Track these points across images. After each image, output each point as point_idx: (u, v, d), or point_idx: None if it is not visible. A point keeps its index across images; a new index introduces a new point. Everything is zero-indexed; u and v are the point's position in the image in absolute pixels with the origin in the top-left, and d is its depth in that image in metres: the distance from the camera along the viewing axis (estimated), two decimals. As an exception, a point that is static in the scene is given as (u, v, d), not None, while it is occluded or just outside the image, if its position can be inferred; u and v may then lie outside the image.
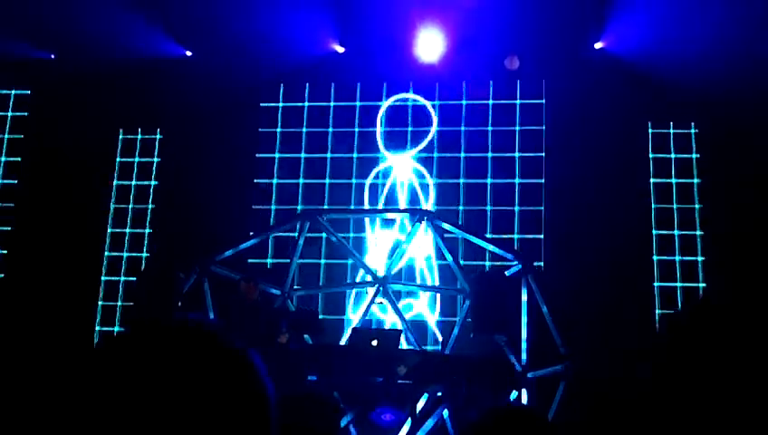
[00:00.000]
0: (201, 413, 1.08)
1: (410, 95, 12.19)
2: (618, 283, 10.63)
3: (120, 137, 12.55)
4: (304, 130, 12.29)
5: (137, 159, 12.49)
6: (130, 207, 12.34)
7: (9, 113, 12.84)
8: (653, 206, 11.27)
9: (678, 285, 11.00)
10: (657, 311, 10.88)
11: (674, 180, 11.34)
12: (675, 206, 11.24)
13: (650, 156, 11.43)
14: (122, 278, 12.01)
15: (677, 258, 11.09)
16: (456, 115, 12.01)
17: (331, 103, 12.32)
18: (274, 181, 12.15)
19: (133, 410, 1.06)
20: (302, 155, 12.21)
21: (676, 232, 11.18)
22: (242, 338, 1.17)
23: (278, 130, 12.33)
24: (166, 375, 1.09)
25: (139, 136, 12.57)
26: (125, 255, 12.13)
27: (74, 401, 1.07)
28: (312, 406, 2.85)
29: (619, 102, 11.21)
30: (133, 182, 12.43)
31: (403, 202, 11.83)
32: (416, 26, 11.75)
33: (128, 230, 12.24)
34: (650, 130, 11.50)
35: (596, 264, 10.59)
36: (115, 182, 12.41)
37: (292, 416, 2.65)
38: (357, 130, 12.20)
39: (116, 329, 11.81)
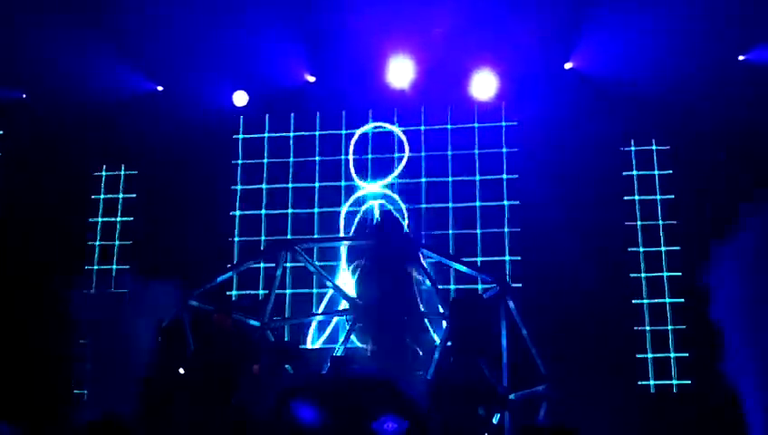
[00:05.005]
0: None
1: (381, 123, 12.22)
2: (597, 301, 10.65)
3: (104, 174, 12.55)
4: (291, 160, 12.30)
5: (121, 196, 12.52)
6: (116, 244, 12.34)
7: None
8: (638, 223, 11.30)
9: (666, 301, 11.00)
10: (637, 327, 10.91)
11: (658, 197, 11.35)
12: (660, 222, 11.24)
13: (634, 173, 11.47)
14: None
15: (665, 274, 11.09)
16: (441, 140, 12.05)
17: (317, 132, 12.34)
18: (256, 212, 12.15)
19: None
20: (290, 185, 12.21)
21: (662, 248, 11.17)
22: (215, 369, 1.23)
23: (265, 160, 12.35)
24: None
25: (123, 172, 12.60)
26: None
27: None
28: None
29: (589, 120, 11.26)
30: (118, 218, 12.44)
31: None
32: (390, 55, 11.82)
33: (114, 266, 12.22)
34: (633, 148, 11.55)
35: (575, 282, 10.61)
36: (100, 219, 12.40)
37: None
38: (343, 157, 12.21)
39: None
